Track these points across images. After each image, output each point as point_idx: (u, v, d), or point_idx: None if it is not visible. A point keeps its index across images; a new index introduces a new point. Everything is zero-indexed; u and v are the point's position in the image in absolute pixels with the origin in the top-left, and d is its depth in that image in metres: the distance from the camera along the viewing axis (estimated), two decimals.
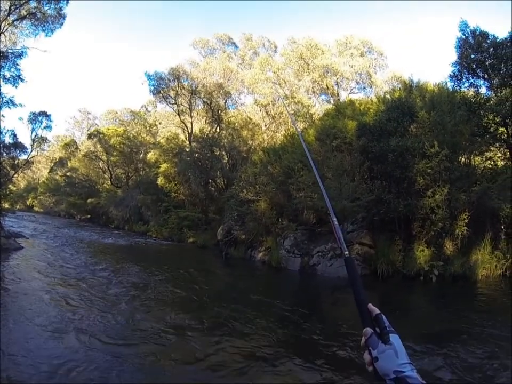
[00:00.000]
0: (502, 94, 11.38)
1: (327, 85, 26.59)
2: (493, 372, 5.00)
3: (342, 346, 5.89)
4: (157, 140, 32.35)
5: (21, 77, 18.98)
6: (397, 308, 8.19)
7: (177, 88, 26.28)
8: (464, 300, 8.89)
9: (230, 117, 27.29)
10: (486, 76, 12.00)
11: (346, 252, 1.15)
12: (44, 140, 32.15)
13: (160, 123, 35.28)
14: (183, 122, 27.39)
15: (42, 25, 18.96)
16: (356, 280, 1.11)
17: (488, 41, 11.66)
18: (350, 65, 26.06)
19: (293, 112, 24.13)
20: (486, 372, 5.00)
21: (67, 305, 7.76)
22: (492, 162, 12.20)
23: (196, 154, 23.05)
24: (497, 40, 11.52)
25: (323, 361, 5.36)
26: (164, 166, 25.95)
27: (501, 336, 6.17)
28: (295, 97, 24.81)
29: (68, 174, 37.38)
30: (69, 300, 8.07)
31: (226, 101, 28.21)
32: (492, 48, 11.52)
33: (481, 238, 10.61)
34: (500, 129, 11.67)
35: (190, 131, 26.93)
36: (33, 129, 30.12)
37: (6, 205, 19.10)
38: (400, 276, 10.56)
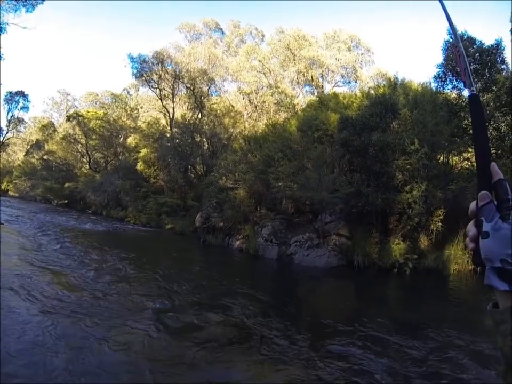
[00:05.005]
0: (483, 98, 11.62)
1: (312, 77, 26.60)
2: (461, 360, 5.14)
3: (317, 334, 5.97)
4: (138, 124, 31.59)
5: None
6: (371, 298, 8.37)
7: (160, 72, 25.77)
8: (436, 292, 9.15)
9: (213, 103, 26.97)
10: None
11: (473, 88, 0.79)
12: (20, 121, 31.21)
13: (141, 107, 34.59)
14: (165, 107, 26.93)
15: (23, 0, 18.20)
16: (481, 125, 0.78)
17: (475, 47, 11.88)
18: (336, 59, 26.14)
19: (276, 101, 24.08)
20: (453, 359, 5.14)
21: (35, 291, 7.55)
22: (469, 163, 12.47)
23: (177, 140, 22.79)
24: (483, 46, 11.75)
25: (295, 350, 5.39)
26: (143, 151, 25.54)
27: (466, 327, 6.39)
28: (279, 87, 24.73)
29: (45, 157, 36.15)
30: (39, 288, 7.84)
31: (209, 87, 27.85)
32: (477, 54, 11.75)
33: (455, 234, 10.89)
34: None
35: (171, 116, 26.51)
36: (9, 110, 29.26)
37: None
38: (376, 267, 10.74)
